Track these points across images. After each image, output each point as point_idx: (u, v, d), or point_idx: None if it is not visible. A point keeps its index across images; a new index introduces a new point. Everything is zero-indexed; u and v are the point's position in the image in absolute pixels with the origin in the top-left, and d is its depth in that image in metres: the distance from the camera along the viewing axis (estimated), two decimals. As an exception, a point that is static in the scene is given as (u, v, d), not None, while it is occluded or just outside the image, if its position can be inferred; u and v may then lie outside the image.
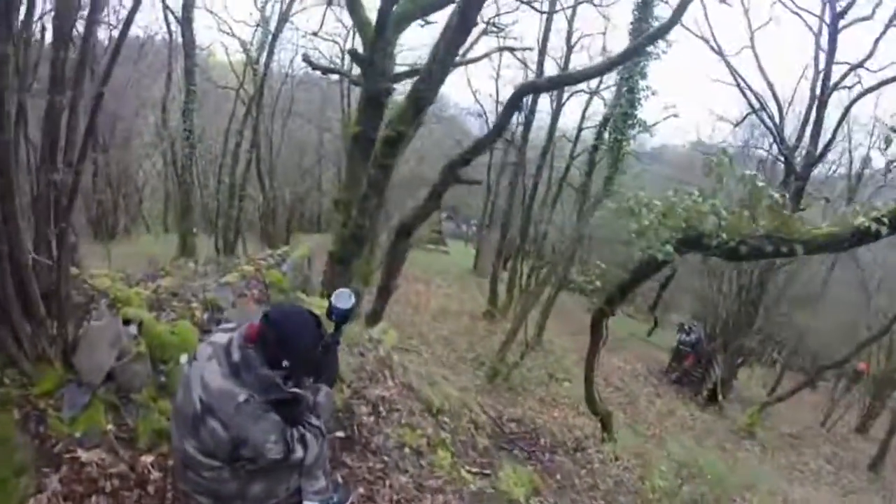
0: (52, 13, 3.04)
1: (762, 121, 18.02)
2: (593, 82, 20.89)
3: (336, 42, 23.21)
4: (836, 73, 16.28)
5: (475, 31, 15.38)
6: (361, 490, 3.47)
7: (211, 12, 29.27)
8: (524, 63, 21.43)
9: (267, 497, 2.48)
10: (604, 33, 25.86)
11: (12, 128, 2.80)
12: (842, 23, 15.66)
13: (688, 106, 45.06)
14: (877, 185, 19.93)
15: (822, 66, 16.40)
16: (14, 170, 2.84)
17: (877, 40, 15.72)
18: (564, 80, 13.09)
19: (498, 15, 18.18)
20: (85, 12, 3.29)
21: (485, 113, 27.23)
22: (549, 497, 4.63)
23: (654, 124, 16.26)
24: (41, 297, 3.12)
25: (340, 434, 3.93)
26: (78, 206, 3.83)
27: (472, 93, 30.50)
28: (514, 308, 17.42)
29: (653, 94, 14.33)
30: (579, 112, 22.63)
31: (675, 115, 17.41)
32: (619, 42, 26.82)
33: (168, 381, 3.51)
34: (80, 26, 3.25)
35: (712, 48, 18.00)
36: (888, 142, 6.98)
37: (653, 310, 11.76)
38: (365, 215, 7.01)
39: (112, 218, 22.42)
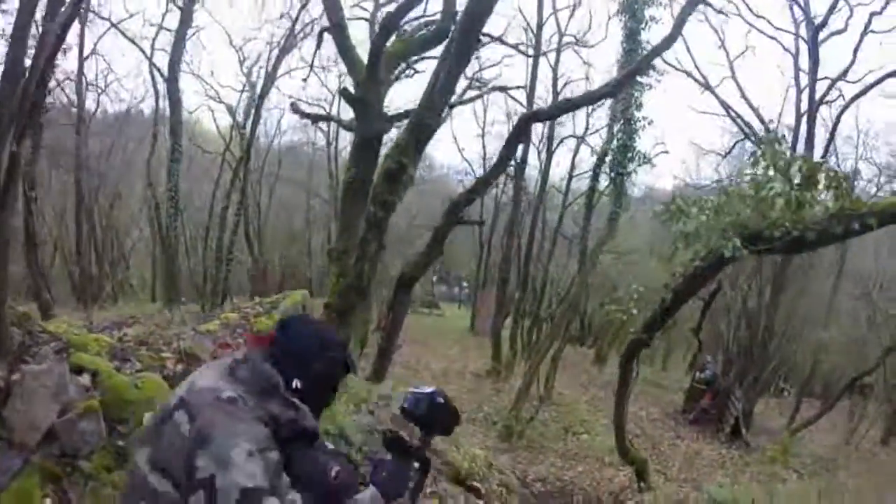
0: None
1: (754, 144, 17.79)
2: (580, 128, 21.36)
3: (322, 107, 23.13)
4: (820, 88, 16.28)
5: (460, 86, 15.31)
6: None
7: (198, 76, 29.41)
8: (511, 114, 21.53)
9: None
10: (586, 79, 26.10)
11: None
12: (821, 36, 15.71)
13: (672, 142, 45.10)
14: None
15: (804, 83, 16.41)
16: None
17: (855, 50, 15.88)
18: (569, 106, 12.57)
19: (481, 70, 18.26)
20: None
21: (473, 171, 27.18)
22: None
23: (654, 157, 15.91)
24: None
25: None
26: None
27: (459, 151, 30.62)
28: (519, 364, 17.01)
29: (649, 124, 13.98)
30: (568, 162, 22.61)
31: (666, 152, 17.20)
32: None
33: (127, 446, 2.80)
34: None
35: (697, 80, 18.04)
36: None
37: (697, 333, 10.95)
38: (365, 261, 6.41)
39: (97, 284, 21.81)
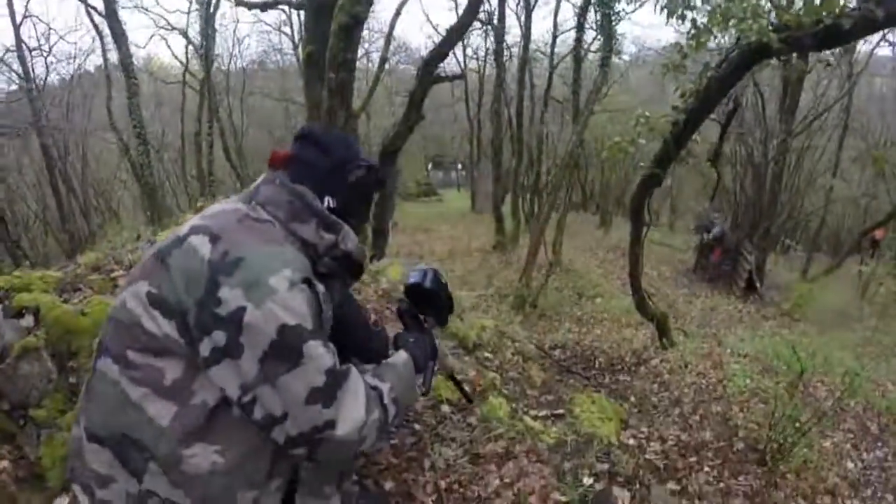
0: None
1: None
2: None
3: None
4: None
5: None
6: (390, 484, 2.36)
7: (142, 9, 27.59)
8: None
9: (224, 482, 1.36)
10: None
11: None
12: None
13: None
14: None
15: None
16: None
17: None
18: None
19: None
20: None
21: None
22: (641, 426, 3.60)
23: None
24: None
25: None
26: None
27: (434, 27, 29.12)
28: (524, 235, 16.64)
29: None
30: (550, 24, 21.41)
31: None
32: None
33: (81, 382, 2.29)
34: None
35: None
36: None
37: (715, 162, 10.04)
38: (335, 133, 5.75)
39: (89, 244, 21.21)
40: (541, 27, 39.02)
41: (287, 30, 24.44)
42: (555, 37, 20.47)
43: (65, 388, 2.35)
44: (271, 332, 1.22)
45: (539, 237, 10.54)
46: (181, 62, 23.26)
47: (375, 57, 23.80)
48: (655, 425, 3.80)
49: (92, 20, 19.47)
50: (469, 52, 25.35)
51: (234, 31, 26.04)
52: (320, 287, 1.34)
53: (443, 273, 1.97)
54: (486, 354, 3.57)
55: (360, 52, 23.06)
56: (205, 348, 1.27)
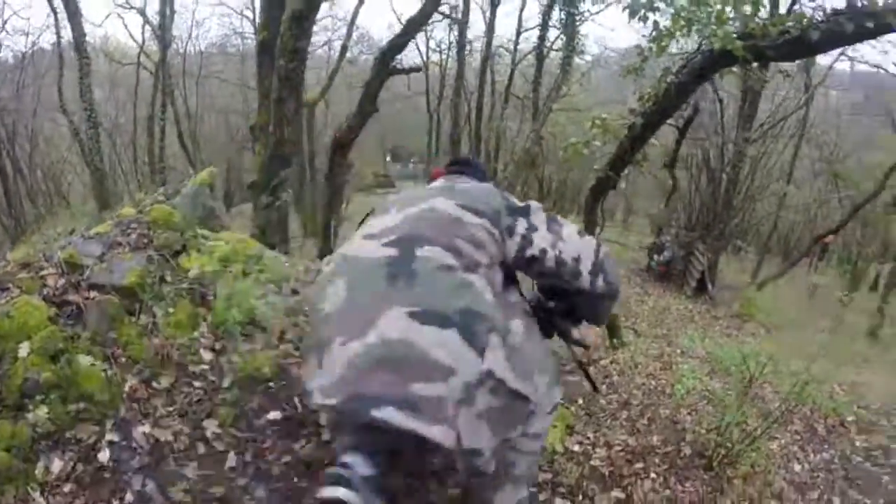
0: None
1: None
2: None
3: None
4: None
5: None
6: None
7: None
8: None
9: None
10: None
11: None
12: None
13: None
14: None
15: None
16: None
17: None
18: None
19: None
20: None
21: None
22: (587, 431, 3.47)
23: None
24: None
25: (275, 415, 2.65)
26: None
27: (398, 17, 28.66)
28: None
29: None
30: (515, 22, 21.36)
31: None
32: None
33: (7, 387, 2.18)
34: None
35: None
36: None
37: (672, 167, 10.08)
38: (283, 124, 5.50)
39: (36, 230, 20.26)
40: (505, 23, 39.11)
41: (249, 13, 23.78)
42: (518, 33, 20.56)
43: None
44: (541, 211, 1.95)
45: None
46: (137, 42, 22.43)
47: (338, 45, 23.38)
48: (602, 430, 3.68)
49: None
50: (432, 44, 25.16)
51: (194, 13, 25.00)
52: None
53: None
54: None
55: (323, 39, 22.69)
56: (521, 227, 1.85)
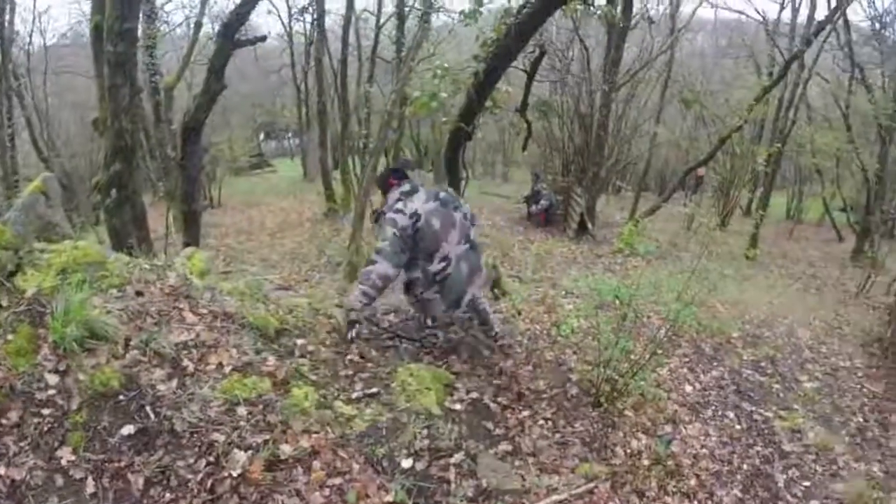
0: None
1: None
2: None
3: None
4: None
5: None
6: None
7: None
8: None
9: None
10: None
11: None
12: None
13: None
14: None
15: None
16: None
17: None
18: None
19: None
20: None
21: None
22: (469, 388, 3.46)
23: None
24: None
25: (129, 429, 2.44)
26: None
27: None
28: (355, 199, 16.17)
29: None
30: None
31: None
32: None
33: None
34: None
35: None
36: None
37: (523, 111, 9.96)
38: (120, 113, 5.02)
39: None
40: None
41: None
42: (380, -3, 19.89)
43: None
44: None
45: (365, 200, 10.09)
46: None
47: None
48: (485, 384, 3.68)
49: None
50: (294, 12, 24.01)
51: (35, 3, 22.28)
52: None
53: None
54: (296, 341, 3.24)
55: (180, 18, 21.09)
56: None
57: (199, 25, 18.68)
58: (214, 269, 3.87)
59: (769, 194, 18.97)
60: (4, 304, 2.77)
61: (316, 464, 2.28)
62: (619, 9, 12.17)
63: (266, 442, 2.36)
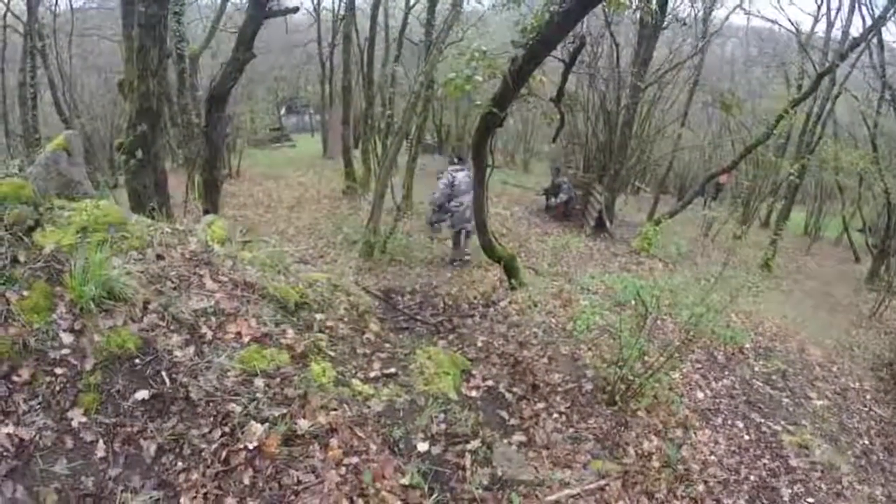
0: None
1: None
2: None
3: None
4: None
5: None
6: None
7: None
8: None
9: None
10: None
11: None
12: None
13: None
14: None
15: None
16: None
17: None
18: None
19: None
20: None
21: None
22: (486, 375, 3.41)
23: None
24: None
25: (143, 394, 2.40)
26: None
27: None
28: (376, 180, 16.15)
29: None
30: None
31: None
32: None
33: None
34: None
35: None
36: None
37: (558, 101, 9.67)
38: (148, 76, 4.97)
39: None
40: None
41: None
42: (413, -27, 19.66)
43: None
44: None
45: (385, 180, 10.06)
46: (2, 2, 19.76)
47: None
48: (500, 373, 3.63)
49: None
50: (324, -10, 23.89)
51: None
52: None
53: None
54: (316, 315, 3.19)
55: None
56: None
57: (227, -7, 18.60)
58: (234, 238, 3.81)
59: (790, 207, 18.74)
60: (22, 259, 2.70)
61: (333, 441, 2.24)
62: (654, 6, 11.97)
63: (283, 416, 2.32)
